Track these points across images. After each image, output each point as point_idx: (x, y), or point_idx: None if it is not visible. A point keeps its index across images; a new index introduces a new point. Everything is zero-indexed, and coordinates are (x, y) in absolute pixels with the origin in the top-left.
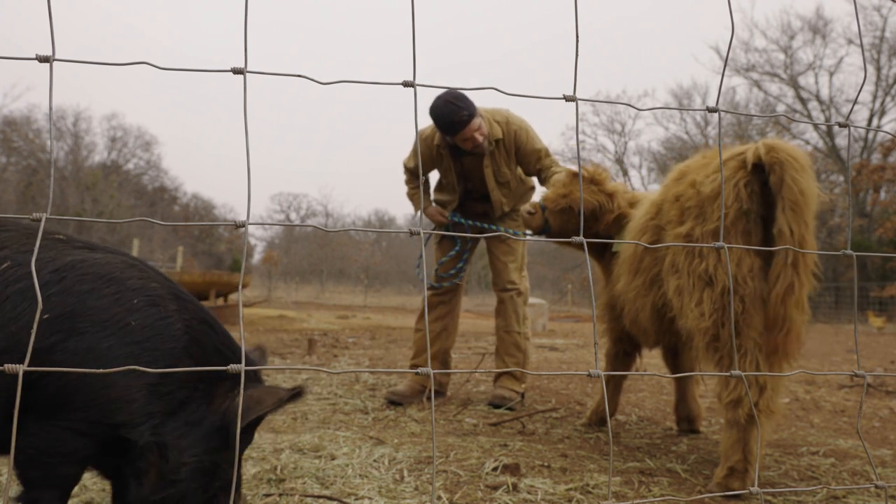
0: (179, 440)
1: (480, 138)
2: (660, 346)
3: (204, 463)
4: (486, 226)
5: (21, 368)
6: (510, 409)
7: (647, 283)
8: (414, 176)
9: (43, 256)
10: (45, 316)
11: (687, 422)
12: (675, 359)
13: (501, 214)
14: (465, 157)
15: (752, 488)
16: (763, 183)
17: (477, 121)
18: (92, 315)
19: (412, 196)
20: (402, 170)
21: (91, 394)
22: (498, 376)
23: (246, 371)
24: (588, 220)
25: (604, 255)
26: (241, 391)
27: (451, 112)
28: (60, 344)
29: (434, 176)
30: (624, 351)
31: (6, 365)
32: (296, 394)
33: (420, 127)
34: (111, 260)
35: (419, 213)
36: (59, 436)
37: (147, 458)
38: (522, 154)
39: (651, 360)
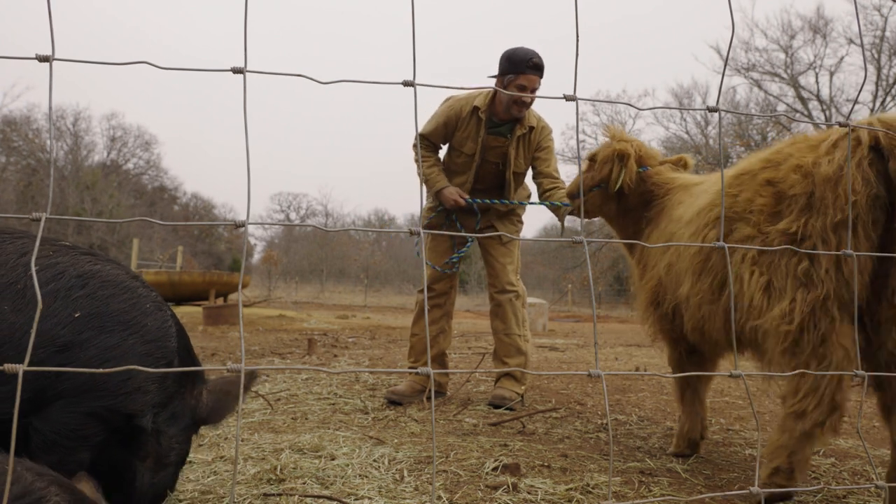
0: (169, 428)
1: (529, 100)
2: (720, 356)
3: (185, 449)
4: (494, 200)
5: (21, 368)
6: (510, 409)
7: (717, 285)
8: (431, 145)
9: (63, 261)
10: (77, 314)
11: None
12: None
13: (500, 215)
14: (490, 136)
15: (752, 488)
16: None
17: (539, 83)
18: (117, 316)
19: (430, 172)
20: (409, 158)
21: (117, 384)
22: (498, 378)
23: (236, 371)
24: (616, 195)
25: (635, 243)
26: (242, 388)
27: (534, 54)
28: (93, 339)
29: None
30: (687, 350)
31: (6, 365)
32: (252, 377)
33: (420, 126)
34: (119, 270)
35: (436, 190)
36: (81, 420)
37: (149, 445)
38: (539, 154)
39: (651, 360)
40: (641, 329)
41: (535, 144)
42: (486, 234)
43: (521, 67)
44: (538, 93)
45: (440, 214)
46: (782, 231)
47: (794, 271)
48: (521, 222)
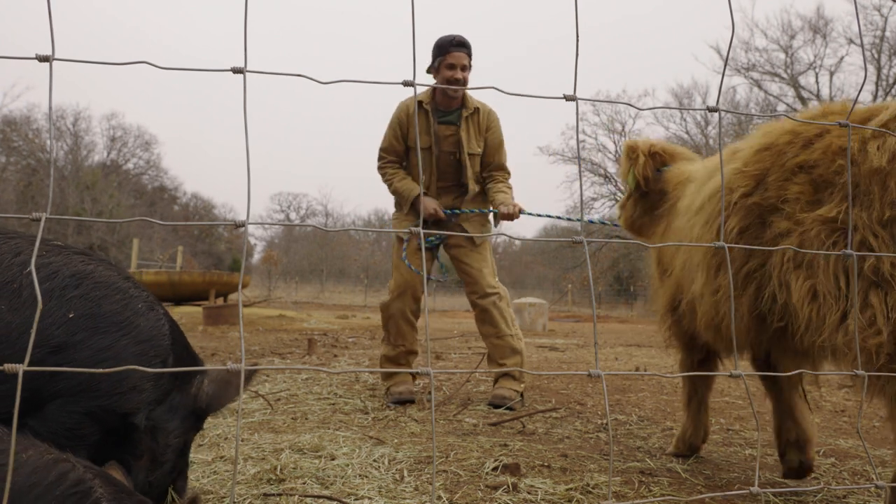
0: (166, 424)
1: (461, 76)
2: (748, 354)
3: (181, 443)
4: (470, 210)
5: (21, 368)
6: (510, 408)
7: (740, 280)
8: (394, 160)
9: (56, 261)
10: (71, 315)
11: (796, 448)
12: (772, 372)
13: (467, 216)
14: (441, 125)
15: (752, 488)
16: None
17: (469, 62)
18: (109, 317)
19: (401, 189)
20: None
21: (112, 384)
22: (497, 378)
23: (236, 371)
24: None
25: (654, 240)
26: (242, 388)
27: (458, 35)
28: (87, 340)
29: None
30: (699, 360)
31: (6, 365)
32: (252, 372)
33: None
34: (111, 271)
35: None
36: (79, 420)
37: (143, 443)
38: (489, 137)
39: (651, 360)
40: (658, 332)
41: (483, 125)
42: (485, 234)
43: (446, 48)
44: (538, 93)
45: (417, 226)
46: (822, 218)
47: (859, 270)
48: (489, 221)
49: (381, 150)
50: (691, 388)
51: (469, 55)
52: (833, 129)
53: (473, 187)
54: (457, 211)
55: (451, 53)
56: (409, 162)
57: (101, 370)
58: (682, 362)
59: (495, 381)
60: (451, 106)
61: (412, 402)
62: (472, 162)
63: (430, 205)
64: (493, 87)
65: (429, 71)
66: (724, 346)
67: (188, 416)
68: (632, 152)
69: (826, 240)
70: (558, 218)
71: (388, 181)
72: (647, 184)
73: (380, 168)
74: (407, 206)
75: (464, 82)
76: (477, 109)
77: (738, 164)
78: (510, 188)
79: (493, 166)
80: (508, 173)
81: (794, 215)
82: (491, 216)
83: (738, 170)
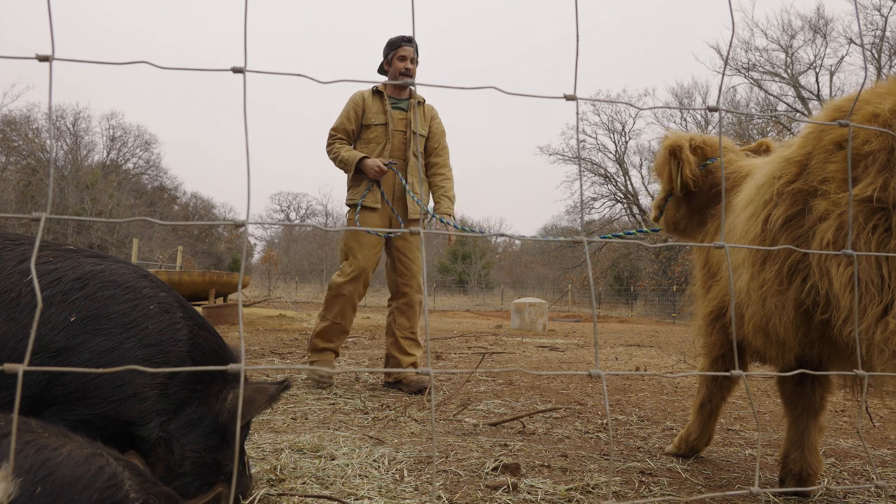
0: (183, 436)
1: (411, 66)
2: (793, 361)
3: (205, 459)
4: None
5: (21, 368)
6: (421, 391)
7: (785, 273)
8: (344, 138)
9: (63, 266)
10: (72, 318)
11: (797, 480)
12: (799, 383)
13: (411, 219)
14: (394, 110)
15: (752, 488)
16: None
17: (416, 56)
18: (114, 318)
19: (346, 156)
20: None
21: (110, 390)
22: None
23: (236, 372)
24: (683, 196)
25: (699, 239)
26: (241, 388)
27: (404, 35)
28: (87, 343)
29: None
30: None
31: (6, 364)
32: (283, 387)
33: (407, 126)
34: (125, 270)
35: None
36: (72, 428)
37: (156, 453)
38: (433, 125)
39: (651, 360)
40: (696, 338)
41: (428, 115)
42: (485, 234)
43: (397, 43)
44: (538, 93)
45: (372, 191)
46: (857, 198)
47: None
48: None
49: (332, 129)
50: (706, 396)
51: (416, 50)
52: (872, 99)
53: (415, 162)
54: (395, 163)
55: (401, 47)
56: (361, 138)
57: (100, 370)
58: (706, 370)
59: (388, 361)
60: (401, 95)
61: (329, 384)
62: (415, 138)
63: (373, 165)
64: (493, 87)
65: (381, 69)
66: (776, 351)
67: (210, 431)
68: (678, 151)
69: (865, 223)
70: (480, 234)
71: (335, 153)
72: (696, 183)
73: (329, 144)
74: (352, 169)
75: (411, 73)
76: (422, 101)
77: (786, 153)
78: (451, 193)
79: (437, 154)
80: (450, 169)
81: (831, 195)
82: (430, 211)
83: (785, 157)
